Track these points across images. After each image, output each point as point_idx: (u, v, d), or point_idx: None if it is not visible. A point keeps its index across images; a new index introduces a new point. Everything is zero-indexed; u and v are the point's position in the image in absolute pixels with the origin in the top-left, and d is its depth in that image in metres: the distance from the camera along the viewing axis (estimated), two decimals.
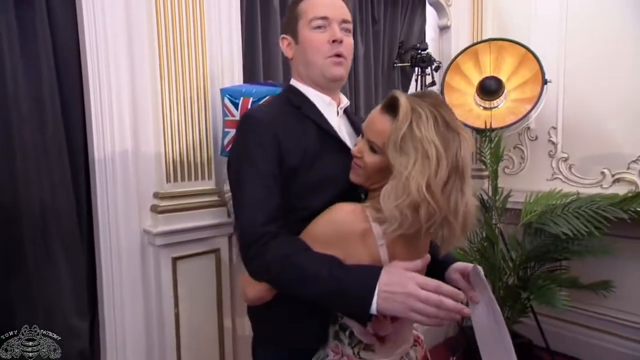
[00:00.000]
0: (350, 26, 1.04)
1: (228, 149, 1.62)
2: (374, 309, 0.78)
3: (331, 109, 1.05)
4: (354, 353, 0.92)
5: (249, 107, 1.57)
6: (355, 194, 0.98)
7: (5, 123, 1.34)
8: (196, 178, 1.62)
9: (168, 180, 1.56)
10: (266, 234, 0.86)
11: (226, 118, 1.60)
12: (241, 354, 1.75)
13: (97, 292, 1.54)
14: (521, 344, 2.28)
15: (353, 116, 1.15)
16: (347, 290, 0.80)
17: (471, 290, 0.96)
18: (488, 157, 2.29)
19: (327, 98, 1.04)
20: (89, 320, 1.53)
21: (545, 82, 2.24)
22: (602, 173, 2.32)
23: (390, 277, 0.79)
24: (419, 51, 2.41)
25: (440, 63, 2.51)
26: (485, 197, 2.33)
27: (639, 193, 2.03)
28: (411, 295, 0.76)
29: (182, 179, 1.59)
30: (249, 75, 1.85)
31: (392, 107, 0.85)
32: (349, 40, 1.02)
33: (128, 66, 1.50)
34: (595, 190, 2.31)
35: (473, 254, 2.30)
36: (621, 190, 2.21)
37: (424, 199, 0.77)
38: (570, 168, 2.45)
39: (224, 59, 1.72)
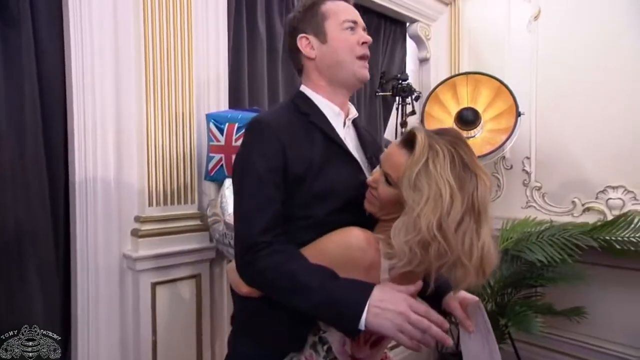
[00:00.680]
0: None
1: (212, 173, 1.63)
2: (363, 324, 0.77)
3: (339, 119, 1.04)
4: None
5: (234, 132, 1.59)
6: (359, 208, 0.97)
7: None
8: (179, 202, 1.62)
9: (150, 204, 1.54)
10: (261, 243, 0.86)
11: (211, 143, 1.61)
12: None
13: (72, 318, 1.49)
14: None
15: (362, 129, 1.14)
16: (338, 302, 0.79)
17: (467, 320, 0.96)
18: None
19: (336, 108, 1.04)
20: (61, 347, 1.46)
21: (519, 114, 2.34)
22: (573, 202, 2.42)
23: (382, 294, 0.79)
24: (400, 81, 2.50)
25: (420, 93, 2.60)
26: None
27: (607, 222, 2.11)
28: (402, 315, 0.76)
29: (165, 203, 1.58)
30: (234, 100, 1.88)
31: (410, 142, 0.86)
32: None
33: (113, 89, 1.51)
34: (567, 219, 2.40)
35: None
36: (591, 219, 2.30)
37: (434, 237, 0.76)
38: (543, 196, 2.54)
39: (210, 85, 1.74)
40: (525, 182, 2.61)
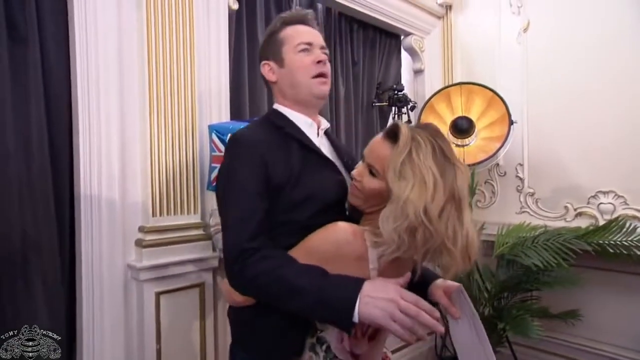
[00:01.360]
0: (327, 52, 1.13)
1: (215, 183, 1.66)
2: (356, 315, 0.80)
3: (312, 129, 1.12)
4: None
5: None
6: (341, 208, 1.02)
7: None
8: (182, 212, 1.64)
9: (154, 214, 1.56)
10: (249, 249, 0.89)
11: (213, 154, 1.64)
12: None
13: (77, 327, 1.50)
14: None
15: (334, 138, 1.23)
16: (331, 298, 0.82)
17: (452, 307, 1.00)
18: None
19: (308, 120, 1.11)
20: (65, 356, 1.47)
21: (511, 122, 2.41)
22: (566, 207, 2.47)
23: (373, 285, 0.82)
24: (396, 92, 2.56)
25: (415, 103, 2.66)
26: None
27: (600, 227, 2.16)
28: (392, 302, 0.79)
29: (168, 213, 1.60)
30: (236, 111, 1.92)
31: (393, 135, 0.91)
32: (328, 65, 1.12)
33: (118, 102, 1.54)
34: (560, 224, 2.45)
35: None
36: (583, 223, 2.35)
37: (421, 222, 0.80)
38: (536, 202, 2.59)
39: (212, 96, 1.78)
40: (519, 188, 2.66)
